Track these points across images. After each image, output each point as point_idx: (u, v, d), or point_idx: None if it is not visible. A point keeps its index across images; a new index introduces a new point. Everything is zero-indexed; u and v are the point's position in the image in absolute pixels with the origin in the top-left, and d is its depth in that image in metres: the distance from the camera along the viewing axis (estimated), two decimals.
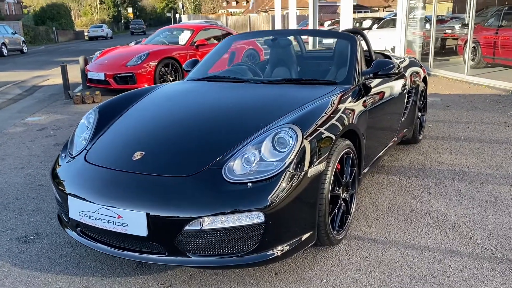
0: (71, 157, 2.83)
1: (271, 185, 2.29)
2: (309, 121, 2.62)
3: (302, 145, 2.44)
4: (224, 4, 79.12)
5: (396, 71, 3.46)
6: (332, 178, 2.63)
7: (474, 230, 3.06)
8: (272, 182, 2.30)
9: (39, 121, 6.93)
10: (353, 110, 3.05)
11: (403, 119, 4.35)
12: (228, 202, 2.25)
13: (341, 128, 2.77)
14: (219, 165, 2.40)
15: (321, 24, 23.08)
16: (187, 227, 2.24)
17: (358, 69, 3.50)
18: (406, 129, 4.56)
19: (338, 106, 2.91)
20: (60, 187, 2.63)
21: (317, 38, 11.04)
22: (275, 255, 2.35)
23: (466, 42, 10.20)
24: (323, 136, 2.61)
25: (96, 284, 2.56)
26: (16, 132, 6.22)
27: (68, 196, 2.51)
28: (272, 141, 2.46)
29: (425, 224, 3.17)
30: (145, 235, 2.28)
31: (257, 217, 2.26)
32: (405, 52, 11.86)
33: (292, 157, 2.38)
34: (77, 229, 2.62)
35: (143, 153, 2.58)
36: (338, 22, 19.34)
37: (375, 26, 16.48)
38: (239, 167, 2.38)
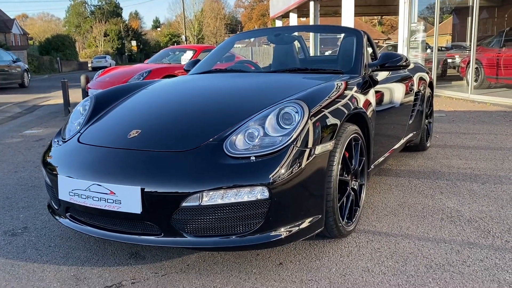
0: (63, 141, 2.68)
1: (276, 160, 2.13)
2: (316, 99, 2.48)
3: (308, 122, 2.29)
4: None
5: (404, 63, 3.35)
6: (340, 161, 2.46)
7: (492, 225, 2.86)
8: (277, 156, 2.14)
9: (36, 133, 6.81)
10: (360, 98, 2.91)
11: (410, 122, 4.21)
12: (229, 176, 2.08)
13: (347, 111, 2.62)
14: (220, 140, 2.24)
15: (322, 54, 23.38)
16: (184, 203, 2.07)
17: (365, 61, 3.39)
18: (413, 133, 4.41)
19: (345, 91, 2.77)
20: (50, 169, 2.47)
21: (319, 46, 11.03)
22: (280, 236, 2.16)
23: (468, 63, 10.19)
24: (331, 115, 2.46)
25: (85, 273, 2.35)
26: (13, 142, 6.08)
27: (58, 175, 2.34)
28: (277, 116, 2.31)
29: (439, 219, 2.97)
30: (139, 212, 2.10)
31: (261, 193, 2.09)
32: None
33: (298, 132, 2.22)
34: (67, 214, 2.43)
35: (140, 131, 2.43)
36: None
37: None
38: (241, 142, 2.22)
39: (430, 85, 4.96)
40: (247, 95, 2.78)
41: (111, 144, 2.37)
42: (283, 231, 2.17)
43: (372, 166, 3.18)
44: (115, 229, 2.24)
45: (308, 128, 2.27)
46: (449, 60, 13.20)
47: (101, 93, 3.13)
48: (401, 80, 3.98)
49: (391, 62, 3.34)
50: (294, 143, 2.19)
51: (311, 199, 2.30)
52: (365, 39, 3.63)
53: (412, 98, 4.24)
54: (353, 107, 2.70)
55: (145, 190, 2.08)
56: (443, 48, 15.06)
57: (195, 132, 2.37)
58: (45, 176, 2.57)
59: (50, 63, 37.36)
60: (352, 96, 2.79)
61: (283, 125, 2.27)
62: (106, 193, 2.14)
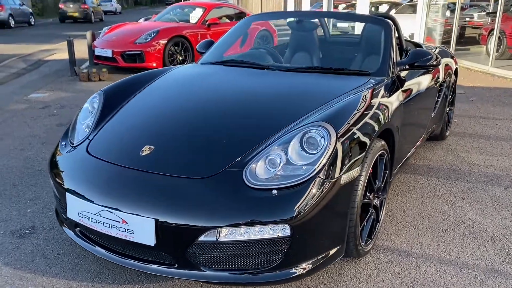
0: (72, 147, 2.53)
1: (299, 193, 1.98)
2: (342, 118, 2.29)
3: (335, 147, 2.12)
4: None
5: (434, 63, 3.11)
6: (365, 185, 2.31)
7: None
8: (300, 189, 1.99)
9: (42, 98, 6.63)
10: (388, 106, 2.71)
11: (433, 115, 4.00)
12: (249, 211, 1.95)
13: (377, 127, 2.44)
14: (239, 166, 2.09)
15: (335, 7, 22.43)
16: (201, 238, 1.95)
17: (393, 59, 3.15)
18: (435, 125, 4.22)
19: (373, 101, 2.58)
20: (58, 180, 2.34)
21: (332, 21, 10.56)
22: (299, 273, 2.05)
23: (490, 31, 9.74)
24: (358, 136, 2.28)
25: None
26: (18, 110, 5.92)
27: (67, 192, 2.21)
28: (301, 141, 2.13)
29: (461, 236, 2.85)
30: (153, 245, 1.98)
31: (282, 230, 1.96)
32: (425, 39, 11.39)
33: (323, 161, 2.06)
34: (76, 228, 2.33)
35: (153, 147, 2.27)
36: (353, 5, 18.76)
37: (393, 11, 15.89)
38: (262, 170, 2.06)
39: (455, 72, 4.70)
40: (266, 107, 2.57)
41: (123, 161, 2.22)
42: (304, 266, 2.07)
43: (394, 172, 3.03)
44: (127, 254, 2.14)
45: (335, 154, 2.11)
46: (467, 19, 12.56)
47: (110, 89, 2.93)
48: (428, 72, 3.73)
49: (421, 61, 3.09)
50: (319, 174, 2.03)
51: (334, 231, 2.18)
52: (394, 31, 3.36)
53: (436, 89, 4.01)
54: (382, 122, 2.51)
55: (159, 221, 1.95)
56: (461, 4, 14.29)
57: (212, 153, 2.21)
58: (52, 185, 2.44)
59: (55, 6, 36.30)
60: (379, 105, 2.58)
61: (308, 151, 2.10)
62: (118, 221, 2.02)
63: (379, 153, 2.50)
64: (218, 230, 1.93)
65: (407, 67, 3.15)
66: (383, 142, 2.56)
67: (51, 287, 2.32)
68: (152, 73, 3.18)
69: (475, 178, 3.77)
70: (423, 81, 3.59)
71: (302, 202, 1.96)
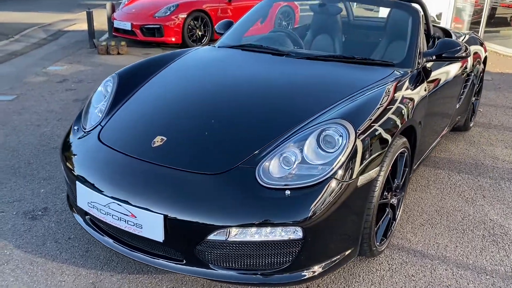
0: (84, 132, 2.48)
1: (313, 195, 1.90)
2: (362, 116, 2.19)
3: (354, 147, 2.02)
4: None
5: (463, 54, 2.94)
6: (383, 185, 2.22)
7: None
8: (314, 190, 1.91)
9: (60, 71, 6.61)
10: (412, 100, 2.59)
11: (458, 106, 3.84)
12: (261, 212, 1.89)
13: (399, 125, 2.33)
14: (252, 163, 2.01)
15: None
16: (210, 237, 1.90)
17: (420, 49, 2.99)
18: (459, 117, 4.06)
19: (396, 96, 2.45)
20: (69, 166, 2.30)
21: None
22: (309, 276, 2.00)
23: None
24: (379, 135, 2.18)
25: (104, 280, 2.27)
26: (36, 83, 5.92)
27: (77, 181, 2.18)
28: (318, 139, 2.04)
29: (480, 237, 2.75)
30: (161, 241, 1.94)
31: (293, 232, 1.90)
32: (453, 20, 10.96)
33: (341, 161, 1.97)
34: (86, 216, 2.30)
35: (165, 139, 2.20)
36: None
37: None
38: (276, 168, 1.98)
39: (484, 60, 4.49)
40: (283, 100, 2.47)
41: (135, 152, 2.16)
42: (315, 269, 2.01)
43: (413, 170, 2.92)
44: (135, 246, 2.11)
45: (353, 154, 2.02)
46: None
47: (124, 72, 2.86)
48: (455, 61, 3.55)
49: (449, 52, 2.93)
50: (335, 175, 1.94)
51: (348, 233, 2.11)
52: (422, 19, 3.19)
53: (463, 79, 3.84)
54: (405, 120, 2.40)
55: (169, 217, 1.91)
56: None
57: (226, 147, 2.13)
58: (63, 170, 2.41)
59: None
60: (402, 101, 2.46)
61: (325, 150, 2.02)
62: (127, 215, 1.98)
63: (399, 151, 2.39)
64: (228, 229, 1.88)
65: (434, 58, 2.99)
66: (404, 140, 2.45)
67: (60, 273, 2.31)
68: (167, 57, 3.09)
69: (498, 174, 3.64)
70: (450, 71, 3.42)
71: (315, 204, 1.89)
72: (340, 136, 2.03)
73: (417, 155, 2.93)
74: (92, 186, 2.10)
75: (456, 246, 2.66)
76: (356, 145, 2.03)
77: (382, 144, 2.18)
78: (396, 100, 2.43)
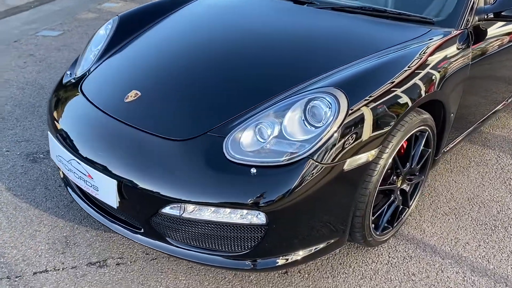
0: (73, 78, 2.34)
1: (283, 177, 1.62)
2: (363, 84, 1.82)
3: (344, 123, 1.68)
4: None
5: None
6: (385, 170, 1.87)
7: None
8: (285, 172, 1.63)
9: (114, 8, 6.54)
10: (446, 69, 2.13)
11: None
12: (222, 190, 1.65)
13: (416, 98, 1.92)
14: (223, 132, 1.75)
15: None
16: (164, 210, 1.70)
17: (473, 3, 2.43)
18: None
19: (418, 62, 2.01)
20: (49, 113, 2.18)
21: None
22: (276, 265, 1.76)
23: None
24: (382, 110, 1.80)
25: (77, 236, 2.19)
26: (87, 19, 5.91)
27: (49, 131, 2.06)
28: (304, 110, 1.72)
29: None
30: (115, 207, 1.79)
31: (256, 216, 1.64)
32: None
33: (324, 139, 1.65)
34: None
35: (139, 94, 1.98)
36: None
37: None
38: (249, 140, 1.71)
39: None
40: (284, 58, 2.12)
41: (106, 106, 1.98)
42: (282, 258, 1.76)
43: (443, 150, 2.48)
44: (100, 207, 1.98)
45: (342, 131, 1.68)
46: None
47: (126, 15, 2.63)
48: None
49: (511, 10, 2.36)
50: (313, 156, 1.63)
51: (332, 221, 1.81)
52: None
53: None
54: (427, 92, 1.98)
55: (123, 183, 1.73)
56: None
57: (199, 111, 1.88)
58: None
59: None
60: (427, 68, 2.02)
61: (310, 123, 1.70)
62: (85, 175, 1.83)
63: (415, 130, 2.00)
64: (184, 205, 1.66)
65: (491, 16, 2.43)
66: (425, 116, 2.04)
67: (38, 222, 2.27)
68: (173, 3, 2.77)
69: None
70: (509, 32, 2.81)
71: (284, 188, 1.60)
72: (328, 108, 1.69)
73: (454, 133, 2.49)
74: (58, 139, 1.97)
75: (479, 245, 2.26)
76: (346, 122, 1.68)
77: (385, 122, 1.80)
78: (418, 68, 1.99)
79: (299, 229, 1.73)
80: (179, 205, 1.67)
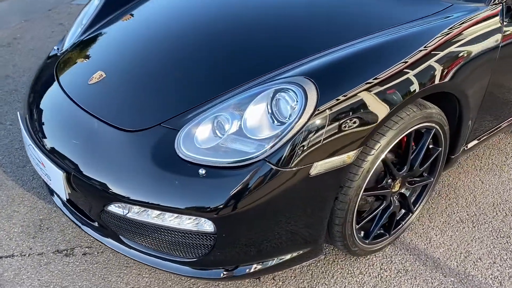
0: (57, 54, 2.21)
1: (235, 181, 1.40)
2: (346, 72, 1.52)
3: (312, 121, 1.42)
4: None
5: None
6: (369, 174, 1.60)
7: None
8: (238, 175, 1.41)
9: None
10: (459, 54, 1.76)
11: None
12: (167, 191, 1.46)
13: (413, 91, 1.60)
14: (177, 124, 1.55)
15: None
16: (109, 207, 1.56)
17: None
18: None
19: (427, 45, 1.66)
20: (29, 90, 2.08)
21: None
22: (224, 276, 1.56)
23: None
24: (366, 104, 1.50)
25: (53, 220, 2.13)
26: None
27: (18, 111, 1.97)
28: (270, 103, 1.47)
29: None
30: (65, 199, 1.67)
31: (204, 224, 1.45)
32: None
33: (284, 139, 1.40)
34: None
35: (104, 76, 1.82)
36: None
37: None
38: (205, 135, 1.50)
39: None
40: (266, 40, 1.84)
41: (69, 88, 1.84)
42: (246, 267, 1.57)
43: (463, 149, 2.13)
44: None
45: (309, 131, 1.42)
46: None
47: None
48: None
49: None
50: (271, 159, 1.40)
51: (294, 233, 1.58)
52: None
53: None
54: (431, 83, 1.65)
55: (71, 174, 1.60)
56: None
57: (158, 98, 1.68)
58: None
59: None
60: (437, 53, 1.68)
61: (276, 120, 1.45)
62: (39, 162, 1.72)
63: (416, 127, 1.68)
64: (129, 205, 1.50)
65: None
66: (429, 111, 1.72)
67: (19, 202, 2.23)
68: None
69: None
70: None
71: (234, 194, 1.39)
72: (296, 102, 1.43)
73: (477, 130, 2.12)
74: (23, 120, 1.87)
75: (493, 263, 1.93)
76: (315, 119, 1.42)
77: (368, 119, 1.51)
78: (424, 52, 1.65)
79: (257, 239, 1.51)
80: (123, 204, 1.51)
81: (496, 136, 2.59)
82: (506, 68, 2.00)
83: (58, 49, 2.28)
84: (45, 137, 1.70)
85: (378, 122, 1.51)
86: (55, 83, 1.92)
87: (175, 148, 1.48)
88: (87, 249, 1.97)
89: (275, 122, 1.44)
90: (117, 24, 2.18)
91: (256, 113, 1.47)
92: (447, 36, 1.73)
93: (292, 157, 1.40)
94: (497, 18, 1.90)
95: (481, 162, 2.54)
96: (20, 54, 3.79)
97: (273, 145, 1.40)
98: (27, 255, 1.95)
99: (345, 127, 1.46)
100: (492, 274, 1.88)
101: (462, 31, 1.78)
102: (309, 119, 1.40)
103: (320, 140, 1.43)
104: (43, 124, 1.77)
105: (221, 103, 1.53)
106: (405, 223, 1.97)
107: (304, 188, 1.47)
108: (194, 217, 1.44)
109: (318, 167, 1.45)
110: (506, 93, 2.15)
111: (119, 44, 2.05)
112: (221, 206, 1.39)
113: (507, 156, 2.60)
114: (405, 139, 1.74)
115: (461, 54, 1.75)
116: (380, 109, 1.51)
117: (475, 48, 1.81)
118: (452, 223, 2.13)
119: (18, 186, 2.33)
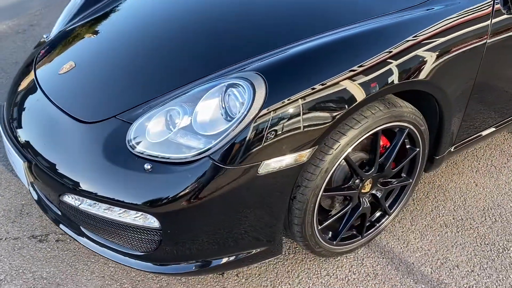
0: (43, 42, 2.25)
1: (177, 177, 1.39)
2: (305, 67, 1.46)
3: (260, 117, 1.37)
4: None
5: None
6: (330, 173, 1.54)
7: None
8: (181, 171, 1.39)
9: None
10: (447, 50, 1.65)
11: None
12: (114, 185, 1.47)
13: (378, 88, 1.51)
14: (131, 117, 1.53)
15: None
16: (64, 198, 1.57)
17: None
18: None
19: (399, 38, 1.57)
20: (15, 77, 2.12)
21: None
22: (184, 271, 1.56)
23: None
24: (323, 101, 1.44)
25: (34, 205, 2.16)
26: None
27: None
28: (222, 98, 1.44)
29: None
30: (27, 186, 1.70)
31: (148, 219, 1.44)
32: None
33: (230, 135, 1.37)
34: None
35: (74, 66, 1.82)
36: None
37: None
38: (158, 128, 1.48)
39: None
40: (229, 31, 1.79)
41: (41, 77, 1.86)
42: (190, 264, 1.55)
43: (451, 150, 2.02)
44: None
45: (257, 128, 1.37)
46: None
47: None
48: None
49: None
50: (216, 157, 1.37)
51: (245, 233, 1.54)
52: None
53: None
54: (396, 81, 1.56)
55: (30, 163, 1.62)
56: None
57: (117, 90, 1.68)
58: None
59: None
60: (410, 47, 1.58)
61: (227, 115, 1.42)
62: (8, 149, 1.76)
63: (383, 126, 1.60)
64: (80, 197, 1.52)
65: None
66: (400, 110, 1.63)
67: (5, 187, 2.27)
68: None
69: None
70: None
71: (176, 190, 1.38)
72: (244, 98, 1.39)
73: (466, 131, 2.00)
74: (1, 108, 1.91)
75: (471, 271, 1.83)
76: (263, 116, 1.37)
77: (324, 116, 1.44)
78: (394, 46, 1.55)
79: (205, 236, 1.49)
80: (75, 196, 1.52)
81: (492, 136, 2.44)
82: (495, 65, 1.86)
83: (46, 37, 2.32)
84: (13, 126, 1.73)
85: (334, 120, 1.44)
86: (32, 72, 1.95)
87: (126, 140, 1.47)
88: (60, 235, 2.01)
89: (228, 118, 1.41)
90: (97, 16, 2.18)
91: (207, 108, 1.43)
92: (425, 31, 1.62)
93: (237, 155, 1.37)
94: (485, 10, 1.77)
95: (479, 163, 2.41)
96: (34, 41, 3.87)
97: (218, 142, 1.36)
98: (3, 239, 2.00)
99: (296, 125, 1.40)
100: (467, 284, 1.78)
101: (444, 25, 1.67)
102: (256, 116, 1.36)
103: (269, 137, 1.38)
104: (14, 113, 1.80)
105: (175, 97, 1.51)
106: (380, 225, 1.90)
107: (254, 187, 1.43)
108: (139, 212, 1.43)
109: (267, 166, 1.41)
110: (496, 92, 2.02)
111: (93, 36, 2.05)
112: (164, 202, 1.38)
113: (508, 158, 2.45)
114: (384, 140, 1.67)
115: (438, 50, 1.64)
116: (336, 107, 1.44)
117: (458, 44, 1.70)
118: (435, 226, 2.04)
119: (7, 170, 2.39)
